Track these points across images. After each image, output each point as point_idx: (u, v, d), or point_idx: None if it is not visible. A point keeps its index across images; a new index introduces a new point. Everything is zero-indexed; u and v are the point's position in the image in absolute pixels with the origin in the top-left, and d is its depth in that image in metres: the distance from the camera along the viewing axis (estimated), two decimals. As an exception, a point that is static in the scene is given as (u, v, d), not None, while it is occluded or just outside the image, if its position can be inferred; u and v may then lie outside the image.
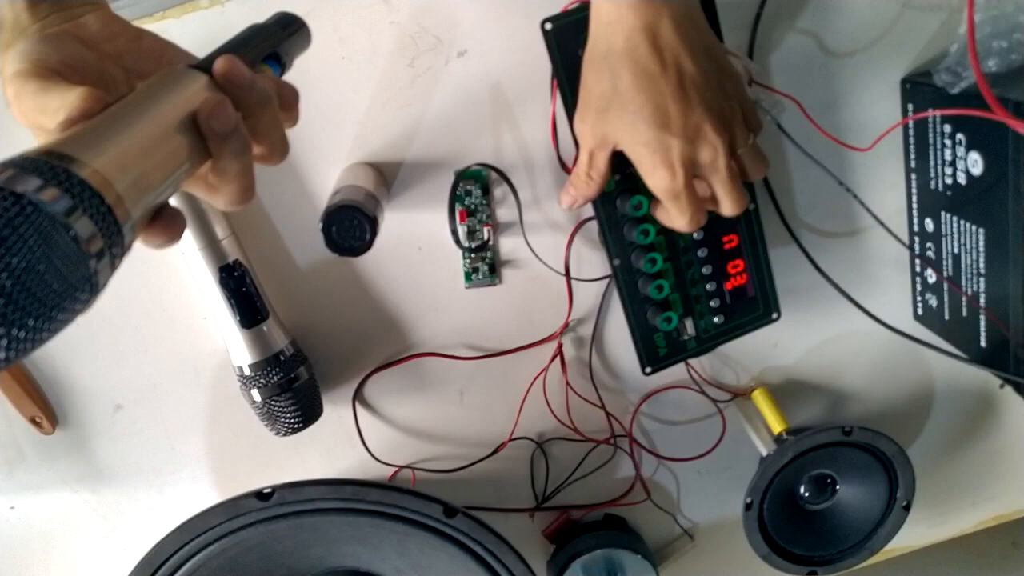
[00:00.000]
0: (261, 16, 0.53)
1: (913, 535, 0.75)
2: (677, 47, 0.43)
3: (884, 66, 0.59)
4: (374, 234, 0.48)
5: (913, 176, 0.61)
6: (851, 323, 0.65)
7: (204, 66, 0.35)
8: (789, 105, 0.56)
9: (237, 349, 0.56)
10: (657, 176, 0.46)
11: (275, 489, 0.52)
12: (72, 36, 0.38)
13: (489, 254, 0.60)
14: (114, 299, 0.59)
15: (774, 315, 0.60)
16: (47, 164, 0.26)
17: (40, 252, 0.24)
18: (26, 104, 0.35)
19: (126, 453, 0.64)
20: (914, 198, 0.62)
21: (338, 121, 0.56)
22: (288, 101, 0.38)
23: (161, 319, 0.60)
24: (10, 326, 0.23)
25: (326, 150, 0.57)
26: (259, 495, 0.52)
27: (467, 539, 0.53)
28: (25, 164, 0.26)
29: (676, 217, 0.48)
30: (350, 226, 0.48)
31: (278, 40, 0.40)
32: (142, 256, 0.58)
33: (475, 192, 0.58)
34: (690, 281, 0.57)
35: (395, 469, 0.65)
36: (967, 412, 0.71)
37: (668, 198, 0.47)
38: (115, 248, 0.28)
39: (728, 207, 0.48)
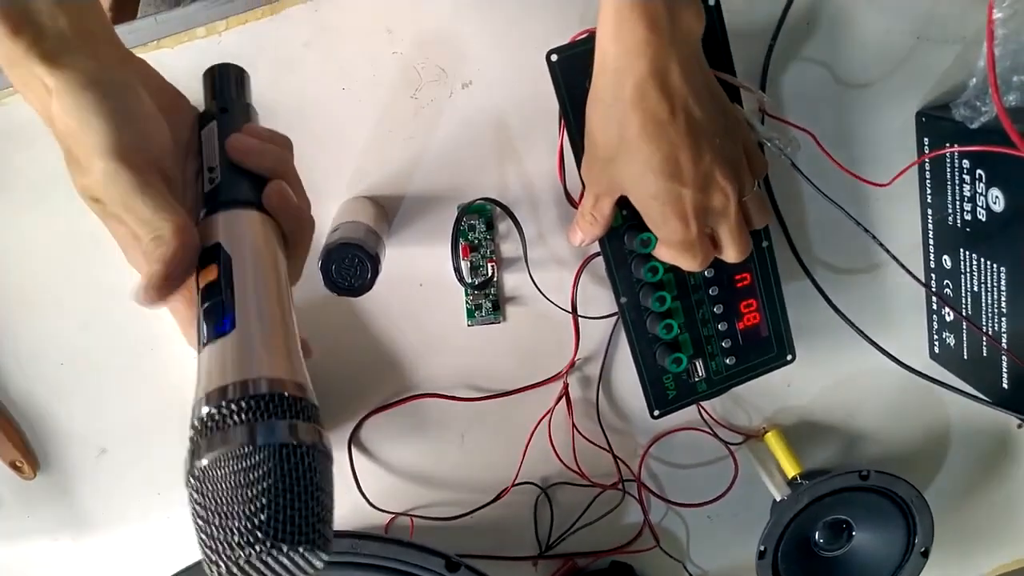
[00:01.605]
0: (260, 46, 0.51)
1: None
2: (686, 92, 0.41)
3: (899, 99, 0.57)
4: (376, 273, 0.46)
5: (929, 212, 0.59)
6: (866, 362, 0.63)
7: (251, 196, 0.36)
8: (803, 139, 0.54)
9: (229, 391, 0.54)
10: (669, 228, 0.44)
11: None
12: (140, 79, 0.37)
13: (492, 291, 0.58)
14: (99, 337, 0.57)
15: (789, 356, 0.57)
16: (294, 402, 0.30)
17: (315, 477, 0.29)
18: (111, 190, 0.33)
19: (110, 499, 0.61)
20: (930, 234, 0.60)
21: (338, 153, 0.54)
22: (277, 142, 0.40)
23: (149, 358, 0.58)
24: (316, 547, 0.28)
25: (325, 183, 0.54)
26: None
27: (470, 594, 0.51)
28: (257, 405, 0.29)
29: (685, 263, 0.47)
30: (350, 265, 0.46)
31: (245, 101, 0.41)
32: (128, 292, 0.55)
33: (479, 227, 0.56)
34: (701, 321, 0.54)
35: (392, 516, 0.62)
36: (984, 453, 0.69)
37: (681, 249, 0.45)
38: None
39: (734, 254, 0.47)
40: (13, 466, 0.58)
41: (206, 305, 0.32)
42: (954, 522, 0.70)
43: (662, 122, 0.41)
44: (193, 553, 0.57)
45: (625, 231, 0.51)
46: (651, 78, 0.41)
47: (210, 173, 0.36)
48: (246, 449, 0.28)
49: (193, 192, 0.38)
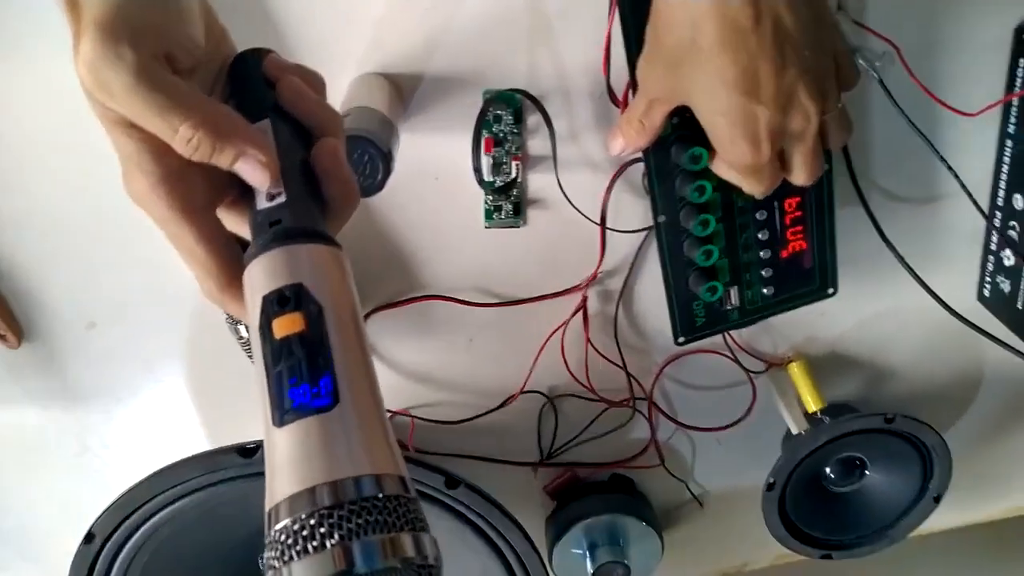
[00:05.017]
0: None
1: (933, 518, 0.70)
2: None
3: (998, 10, 0.50)
4: (388, 172, 0.41)
5: (1008, 144, 0.53)
6: (908, 298, 0.58)
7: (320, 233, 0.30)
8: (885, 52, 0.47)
9: (223, 278, 0.50)
10: (738, 150, 0.39)
11: (259, 445, 0.46)
12: None
13: (515, 192, 0.52)
14: (90, 207, 0.52)
15: (830, 290, 0.53)
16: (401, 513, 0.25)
17: None
18: (118, 72, 0.27)
19: (99, 373, 0.58)
20: (1005, 168, 0.54)
21: (351, 20, 0.47)
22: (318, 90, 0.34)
23: (142, 233, 0.52)
24: None
25: (335, 54, 0.48)
26: (241, 451, 0.46)
27: (469, 511, 0.49)
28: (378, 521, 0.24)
29: (748, 186, 0.41)
30: (359, 161, 0.40)
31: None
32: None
33: (505, 118, 0.50)
34: (742, 246, 0.50)
35: (390, 415, 0.60)
36: (1011, 404, 0.66)
37: (747, 172, 0.40)
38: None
39: (804, 177, 0.41)
40: (-4, 334, 0.55)
41: (286, 364, 0.26)
42: (967, 465, 0.68)
43: (744, 30, 0.35)
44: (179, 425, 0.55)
45: (673, 142, 0.45)
46: None
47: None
48: None
49: None
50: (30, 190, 0.51)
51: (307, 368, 0.26)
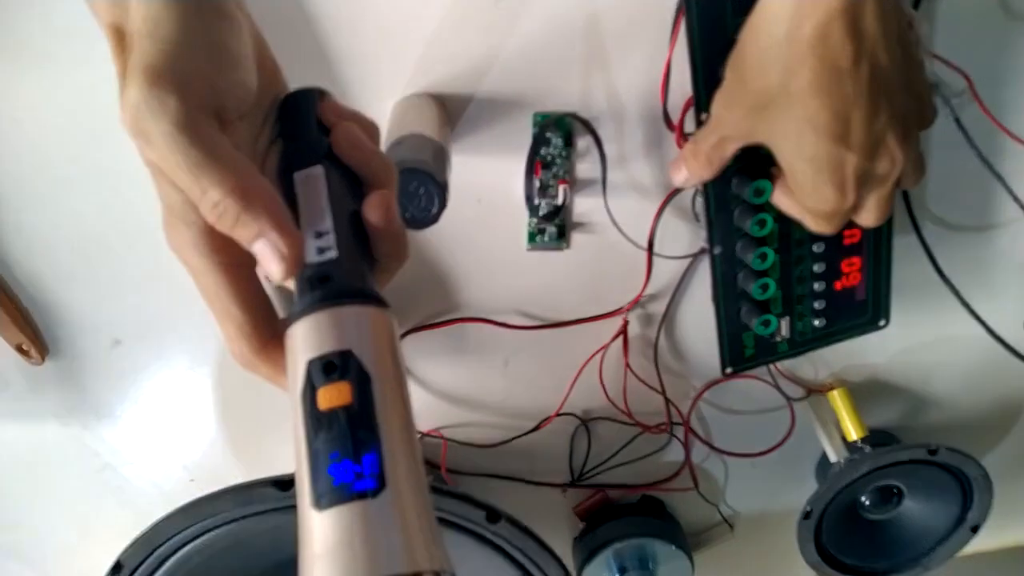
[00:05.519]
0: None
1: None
2: (877, 36, 0.33)
3: (1070, 37, 0.48)
4: (443, 205, 0.39)
5: (1070, 173, 0.51)
6: (954, 326, 0.57)
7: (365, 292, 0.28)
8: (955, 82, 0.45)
9: (258, 301, 0.48)
10: (821, 196, 0.37)
11: (293, 479, 0.45)
12: (248, 21, 0.29)
13: (560, 215, 0.51)
14: (117, 223, 0.50)
15: (881, 322, 0.52)
16: None
17: None
18: (158, 122, 0.25)
19: (123, 391, 0.56)
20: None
21: (401, 39, 0.45)
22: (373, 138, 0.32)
23: (168, 252, 0.51)
24: None
25: (383, 73, 0.46)
26: (277, 483, 0.45)
27: (509, 546, 0.47)
28: None
29: (817, 227, 0.40)
30: (415, 194, 0.38)
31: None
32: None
33: (555, 141, 0.48)
34: (796, 279, 0.48)
35: (420, 435, 0.59)
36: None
37: (824, 217, 0.38)
38: None
39: (874, 220, 0.40)
40: (19, 350, 0.53)
41: (329, 438, 0.24)
42: (999, 489, 0.67)
43: (840, 71, 0.33)
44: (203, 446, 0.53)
45: (734, 174, 0.43)
46: (842, 16, 0.32)
47: (318, 240, 0.28)
48: None
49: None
50: (58, 205, 0.49)
51: (352, 444, 0.24)
